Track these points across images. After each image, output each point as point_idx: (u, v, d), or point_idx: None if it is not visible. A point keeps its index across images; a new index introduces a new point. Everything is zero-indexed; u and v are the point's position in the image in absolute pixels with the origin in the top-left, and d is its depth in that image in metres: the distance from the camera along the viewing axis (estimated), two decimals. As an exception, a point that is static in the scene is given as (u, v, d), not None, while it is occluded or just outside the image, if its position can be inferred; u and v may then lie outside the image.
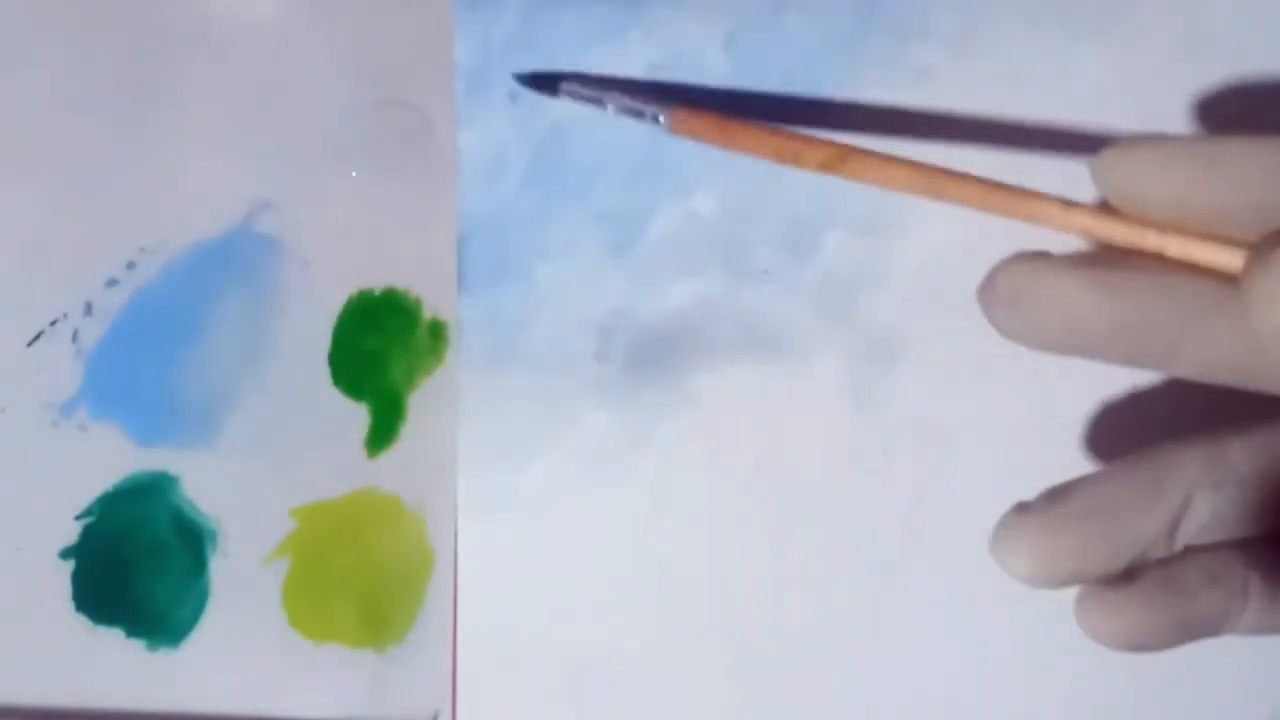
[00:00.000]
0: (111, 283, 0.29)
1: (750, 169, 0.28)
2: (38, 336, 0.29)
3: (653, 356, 0.28)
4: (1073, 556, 0.21)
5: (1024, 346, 0.22)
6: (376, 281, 0.29)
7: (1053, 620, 0.27)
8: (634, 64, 0.28)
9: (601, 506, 0.28)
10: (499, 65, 0.28)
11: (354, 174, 0.29)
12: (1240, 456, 0.21)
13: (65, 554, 0.28)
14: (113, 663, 0.28)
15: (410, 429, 0.29)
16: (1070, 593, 0.27)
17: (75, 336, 0.29)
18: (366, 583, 0.29)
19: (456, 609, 0.28)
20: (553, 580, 0.28)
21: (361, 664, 0.29)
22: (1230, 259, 0.20)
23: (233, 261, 0.29)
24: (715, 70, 0.28)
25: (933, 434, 0.28)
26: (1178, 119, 0.27)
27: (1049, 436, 0.27)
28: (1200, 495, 0.21)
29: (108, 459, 0.28)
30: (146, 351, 0.29)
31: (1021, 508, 0.22)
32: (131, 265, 0.29)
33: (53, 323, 0.29)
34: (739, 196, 0.28)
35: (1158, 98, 0.27)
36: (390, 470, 0.29)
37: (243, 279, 0.29)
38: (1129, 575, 0.22)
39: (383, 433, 0.29)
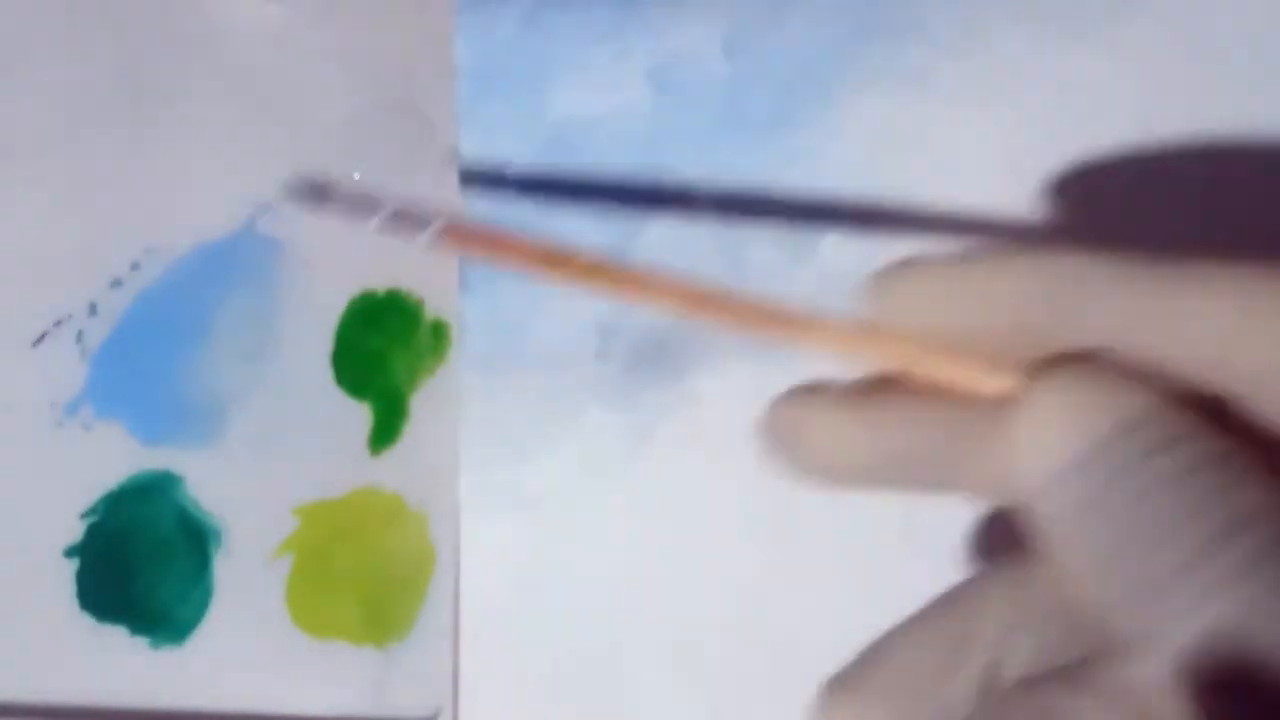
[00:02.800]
0: (116, 283, 0.29)
1: (750, 169, 0.28)
2: (42, 337, 0.29)
3: (653, 356, 0.28)
4: None
5: (809, 482, 0.21)
6: (379, 282, 0.29)
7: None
8: (634, 67, 0.28)
9: (602, 505, 0.28)
10: (500, 67, 0.28)
11: (357, 176, 0.29)
12: (1044, 589, 0.20)
13: (69, 552, 0.29)
14: (116, 661, 0.28)
15: (412, 428, 0.29)
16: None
17: (80, 337, 0.29)
18: (369, 581, 0.29)
19: (458, 607, 0.28)
20: (554, 578, 0.28)
21: (364, 662, 0.29)
22: (997, 383, 0.19)
23: (236, 262, 0.29)
24: (714, 72, 0.28)
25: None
26: (1176, 121, 0.27)
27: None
28: (1014, 638, 0.20)
29: (112, 458, 0.29)
30: (151, 352, 0.29)
31: (835, 682, 0.21)
32: (136, 266, 0.29)
33: (57, 323, 0.29)
34: (739, 196, 0.28)
35: (1156, 99, 0.27)
36: (392, 469, 0.29)
37: (246, 280, 0.29)
38: None
39: (385, 432, 0.29)
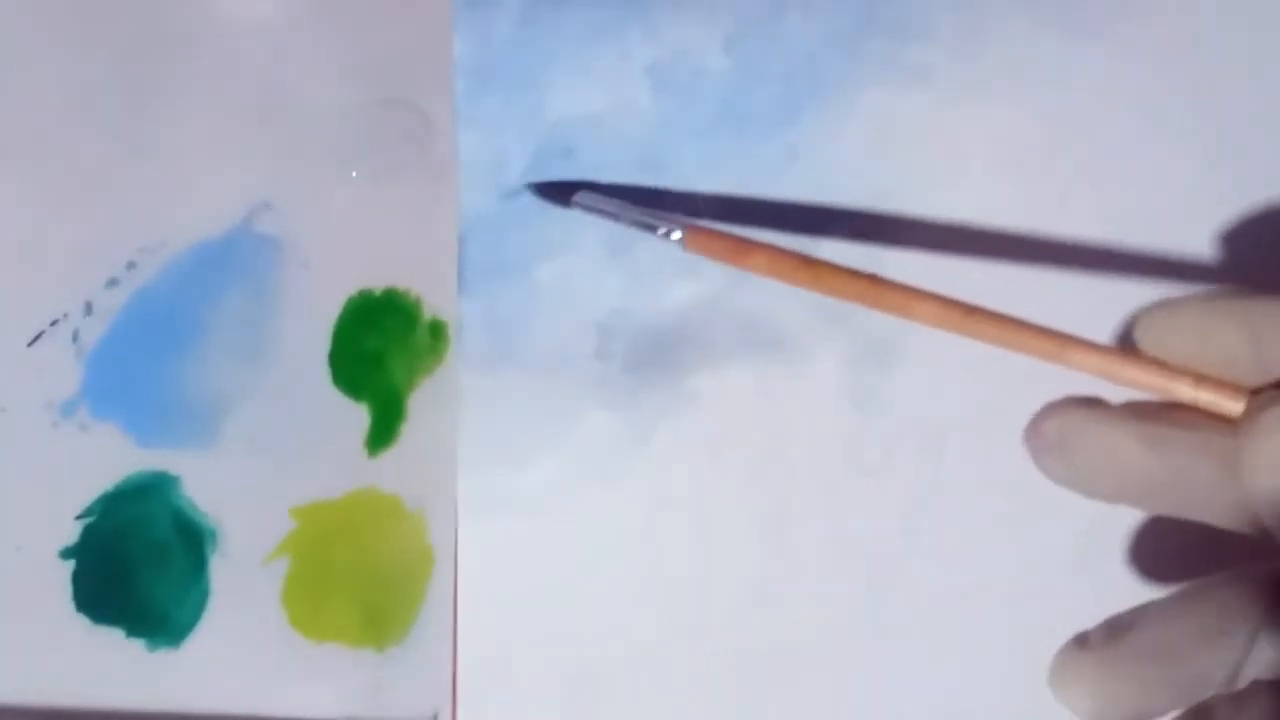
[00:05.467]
0: (112, 283, 0.29)
1: (750, 167, 0.28)
2: (38, 336, 0.29)
3: (653, 356, 0.28)
4: (1135, 697, 0.21)
5: (1068, 490, 0.22)
6: (376, 281, 0.29)
7: (1052, 620, 0.27)
8: (633, 64, 0.28)
9: (601, 506, 0.28)
10: (499, 64, 0.28)
11: (354, 174, 0.29)
12: None
13: (66, 554, 0.28)
14: (113, 663, 0.28)
15: (410, 428, 0.29)
16: (1070, 593, 0.27)
17: (76, 336, 0.29)
18: (367, 582, 0.29)
19: (456, 609, 0.28)
20: (553, 580, 0.28)
21: (362, 664, 0.29)
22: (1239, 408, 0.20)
23: (233, 261, 0.29)
24: (714, 69, 0.28)
25: (932, 434, 0.27)
26: (1176, 119, 0.27)
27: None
28: (1264, 636, 0.20)
29: (108, 459, 0.28)
30: (147, 351, 0.29)
31: (1080, 641, 0.21)
32: (132, 265, 0.29)
33: (53, 323, 0.29)
34: (739, 195, 0.28)
35: (1157, 97, 0.27)
36: (390, 470, 0.29)
37: (243, 279, 0.29)
38: (1196, 714, 0.21)
39: (383, 432, 0.29)
